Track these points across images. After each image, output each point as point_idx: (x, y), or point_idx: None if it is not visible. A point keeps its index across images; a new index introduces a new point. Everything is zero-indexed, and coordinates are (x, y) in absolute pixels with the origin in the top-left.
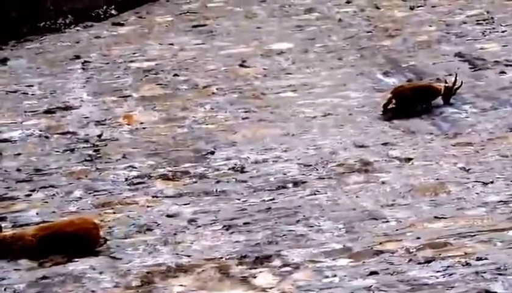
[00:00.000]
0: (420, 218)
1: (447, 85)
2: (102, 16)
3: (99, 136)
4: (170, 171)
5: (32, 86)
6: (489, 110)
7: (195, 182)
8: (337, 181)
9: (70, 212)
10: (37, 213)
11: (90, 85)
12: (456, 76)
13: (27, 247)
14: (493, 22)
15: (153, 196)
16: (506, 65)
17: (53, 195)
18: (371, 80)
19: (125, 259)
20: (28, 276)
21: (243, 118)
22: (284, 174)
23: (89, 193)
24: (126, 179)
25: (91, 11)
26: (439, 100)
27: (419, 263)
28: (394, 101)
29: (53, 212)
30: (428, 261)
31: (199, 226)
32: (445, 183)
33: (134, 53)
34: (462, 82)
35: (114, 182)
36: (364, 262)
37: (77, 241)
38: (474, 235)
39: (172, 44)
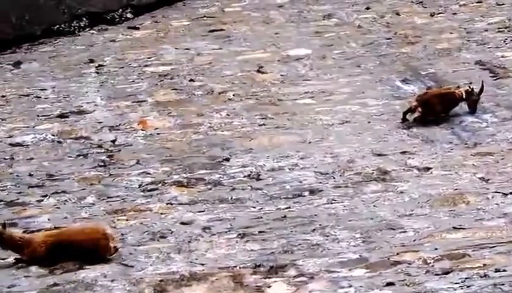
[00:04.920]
0: (439, 229)
1: (468, 89)
2: (117, 20)
3: (113, 141)
4: (185, 177)
5: (45, 90)
6: (510, 119)
7: (210, 189)
8: (354, 190)
9: (82, 218)
10: (49, 219)
11: (104, 89)
12: (482, 83)
13: (35, 255)
14: None
15: (167, 203)
16: None
17: (66, 200)
18: (390, 88)
19: (137, 267)
20: (39, 284)
21: (259, 125)
22: (301, 182)
23: (102, 199)
24: (140, 186)
25: (106, 15)
26: (458, 109)
27: (437, 274)
28: (420, 109)
29: (65, 218)
30: (446, 272)
31: (214, 234)
32: (464, 193)
33: (149, 57)
34: (483, 83)
35: (127, 188)
36: (380, 272)
37: (85, 250)
38: (493, 247)
39: (188, 48)
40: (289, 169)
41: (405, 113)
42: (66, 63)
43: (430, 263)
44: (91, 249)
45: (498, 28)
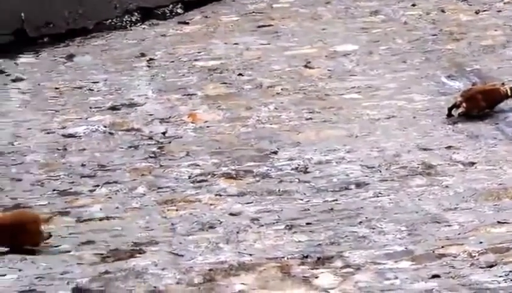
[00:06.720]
0: (483, 223)
1: None
2: (168, 15)
3: (163, 133)
4: (234, 170)
5: (97, 82)
6: None
7: (258, 181)
8: (400, 184)
9: (133, 208)
10: (100, 209)
11: (155, 82)
12: None
13: None
14: None
15: (216, 195)
16: None
17: (117, 190)
18: (435, 84)
19: (187, 256)
20: (91, 271)
21: (307, 119)
22: (347, 175)
23: (153, 190)
24: (189, 177)
25: (157, 10)
26: (503, 105)
27: (481, 267)
28: (464, 104)
29: (117, 207)
30: (490, 266)
31: (262, 225)
32: (509, 188)
33: (199, 52)
34: None
35: (177, 179)
36: (425, 265)
37: (17, 232)
38: None
39: (237, 43)
40: (336, 162)
41: (450, 109)
42: (118, 56)
43: (475, 256)
44: (22, 232)
45: None
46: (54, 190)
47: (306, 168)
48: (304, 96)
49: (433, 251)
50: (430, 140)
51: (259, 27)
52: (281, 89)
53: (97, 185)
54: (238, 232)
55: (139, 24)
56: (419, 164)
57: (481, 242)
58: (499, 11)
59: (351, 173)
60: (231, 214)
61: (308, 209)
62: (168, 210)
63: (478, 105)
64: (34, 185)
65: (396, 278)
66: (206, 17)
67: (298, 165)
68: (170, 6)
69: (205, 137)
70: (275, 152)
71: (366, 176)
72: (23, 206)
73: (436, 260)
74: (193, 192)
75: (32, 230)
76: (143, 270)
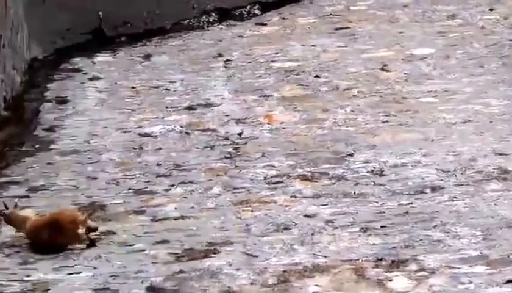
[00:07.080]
0: None
1: None
2: (246, 16)
3: (239, 134)
4: (309, 171)
5: (174, 82)
6: None
7: (334, 183)
8: (475, 188)
9: (208, 208)
10: (175, 208)
11: (232, 83)
12: None
13: (27, 233)
14: None
15: (291, 196)
16: None
17: (192, 190)
18: None
19: (261, 257)
20: (166, 270)
21: (383, 122)
22: (423, 179)
23: (228, 191)
24: (265, 178)
25: (235, 11)
26: None
27: None
28: None
29: (192, 207)
30: None
31: (336, 228)
32: None
33: (276, 53)
34: None
35: (252, 180)
36: (500, 270)
37: (53, 233)
38: None
39: (314, 45)
40: (412, 166)
41: None
42: (195, 56)
43: None
44: (59, 234)
45: None
46: (129, 189)
47: (382, 171)
48: (380, 99)
49: (508, 256)
50: (506, 145)
51: (336, 29)
52: (358, 91)
53: (173, 185)
54: (312, 234)
55: (216, 25)
56: (494, 169)
57: None
58: None
59: (426, 176)
60: (306, 216)
61: (383, 212)
62: (243, 210)
63: None
64: (109, 184)
65: (470, 282)
66: (283, 18)
67: (374, 167)
68: (248, 7)
69: (281, 138)
70: (351, 155)
71: (442, 180)
72: (98, 204)
73: (511, 265)
74: (268, 193)
75: (69, 232)
76: (217, 270)
